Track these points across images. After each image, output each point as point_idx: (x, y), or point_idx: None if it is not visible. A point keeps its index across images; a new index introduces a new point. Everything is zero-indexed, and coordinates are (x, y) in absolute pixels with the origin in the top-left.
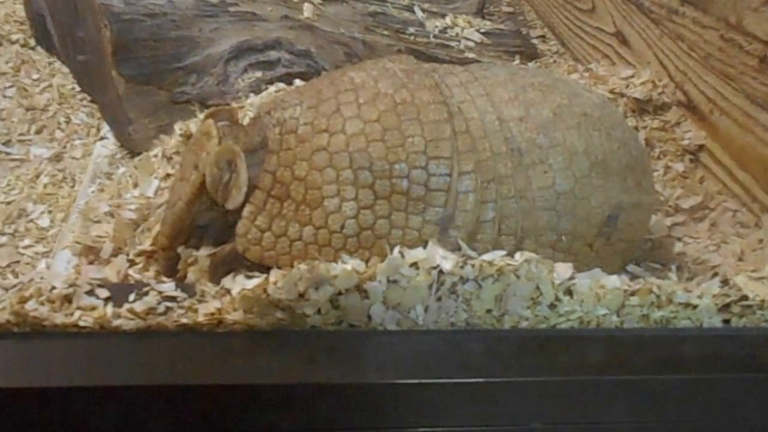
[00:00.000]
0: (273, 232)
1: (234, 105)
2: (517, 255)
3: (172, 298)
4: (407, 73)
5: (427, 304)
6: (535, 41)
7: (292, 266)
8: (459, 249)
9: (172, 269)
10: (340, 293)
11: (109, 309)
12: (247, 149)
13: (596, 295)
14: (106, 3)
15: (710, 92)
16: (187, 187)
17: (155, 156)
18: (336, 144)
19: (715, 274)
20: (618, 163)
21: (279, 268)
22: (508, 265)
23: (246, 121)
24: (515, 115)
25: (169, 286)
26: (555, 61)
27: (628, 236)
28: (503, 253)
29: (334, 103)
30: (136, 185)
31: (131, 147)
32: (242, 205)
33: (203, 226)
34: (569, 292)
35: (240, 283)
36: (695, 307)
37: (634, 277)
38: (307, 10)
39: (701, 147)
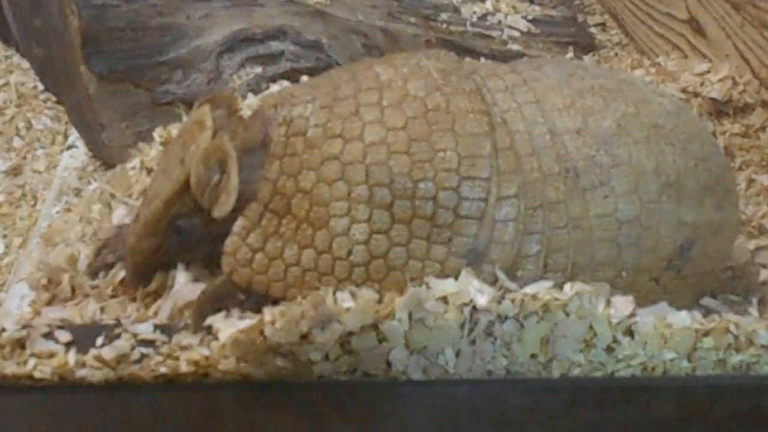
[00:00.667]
0: (266, 253)
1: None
2: (566, 287)
3: (150, 342)
4: (443, 74)
5: (459, 348)
6: (593, 30)
7: (285, 296)
8: (495, 280)
9: (136, 279)
10: (351, 333)
11: (72, 356)
12: (245, 148)
13: (662, 336)
14: None
15: None
16: (168, 183)
17: (133, 168)
18: (351, 153)
19: None
20: (695, 183)
21: (270, 297)
22: (556, 299)
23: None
24: (571, 127)
25: (146, 328)
26: (616, 54)
27: (703, 268)
28: (549, 284)
29: (352, 104)
30: (109, 204)
31: (105, 157)
32: (231, 216)
33: (182, 232)
34: (630, 332)
35: (231, 324)
36: None
37: (708, 312)
38: None
39: None
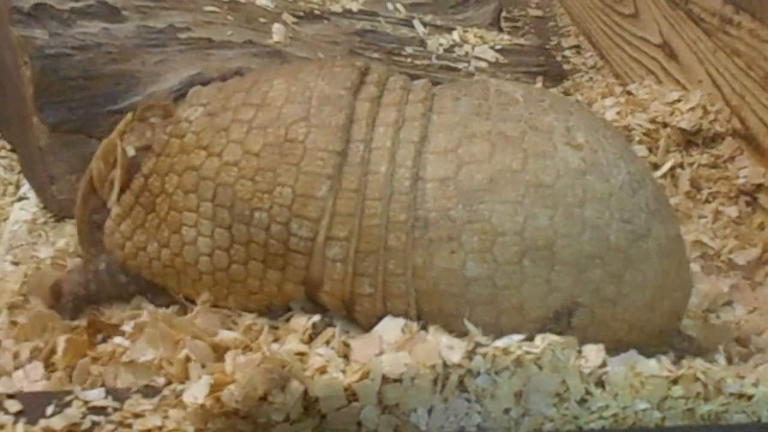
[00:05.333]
0: (134, 243)
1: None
2: (538, 339)
3: (101, 410)
4: (321, 101)
5: (432, 405)
6: (567, 53)
7: (155, 282)
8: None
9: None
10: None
11: (21, 427)
12: (146, 146)
13: (632, 386)
14: (26, 35)
15: None
16: (83, 180)
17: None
18: (207, 168)
19: None
20: (575, 250)
21: (144, 277)
22: (527, 353)
23: None
24: (440, 174)
25: (97, 394)
26: (591, 78)
27: (598, 336)
28: (520, 337)
29: (229, 117)
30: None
31: (55, 210)
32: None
33: (99, 226)
34: (601, 383)
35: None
36: (750, 397)
37: (678, 359)
38: (278, 33)
39: (759, 186)
